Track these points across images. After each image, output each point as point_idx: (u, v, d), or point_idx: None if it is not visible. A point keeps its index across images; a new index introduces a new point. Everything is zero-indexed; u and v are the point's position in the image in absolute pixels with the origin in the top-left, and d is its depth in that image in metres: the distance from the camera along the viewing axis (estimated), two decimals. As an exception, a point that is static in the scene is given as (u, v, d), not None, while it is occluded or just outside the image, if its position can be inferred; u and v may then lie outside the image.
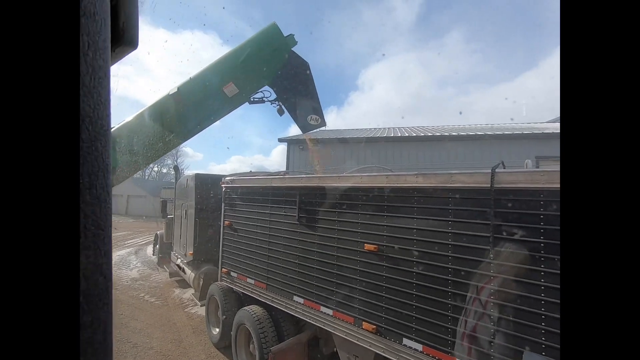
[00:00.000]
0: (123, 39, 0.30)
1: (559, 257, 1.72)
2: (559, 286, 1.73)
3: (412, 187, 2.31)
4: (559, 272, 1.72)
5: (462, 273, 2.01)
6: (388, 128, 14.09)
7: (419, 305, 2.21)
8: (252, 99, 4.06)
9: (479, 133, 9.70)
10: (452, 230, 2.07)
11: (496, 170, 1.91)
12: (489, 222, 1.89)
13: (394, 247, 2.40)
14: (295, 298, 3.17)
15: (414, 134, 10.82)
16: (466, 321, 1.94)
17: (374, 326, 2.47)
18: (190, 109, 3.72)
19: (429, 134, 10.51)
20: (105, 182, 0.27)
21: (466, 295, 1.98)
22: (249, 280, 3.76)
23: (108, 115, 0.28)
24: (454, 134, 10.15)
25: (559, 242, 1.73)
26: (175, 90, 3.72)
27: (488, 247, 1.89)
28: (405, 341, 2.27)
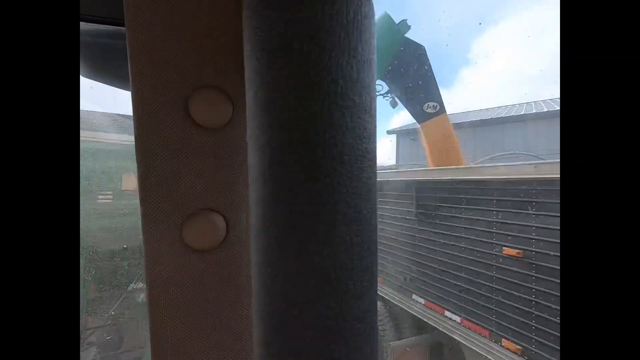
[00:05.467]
0: None
1: None
2: None
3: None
4: None
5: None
6: (525, 103, 11.20)
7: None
8: None
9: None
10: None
11: None
12: None
13: (547, 254, 1.91)
14: (415, 297, 3.03)
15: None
16: None
17: (519, 347, 2.06)
18: None
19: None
20: None
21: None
22: (365, 272, 3.87)
23: None
24: None
25: None
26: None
27: None
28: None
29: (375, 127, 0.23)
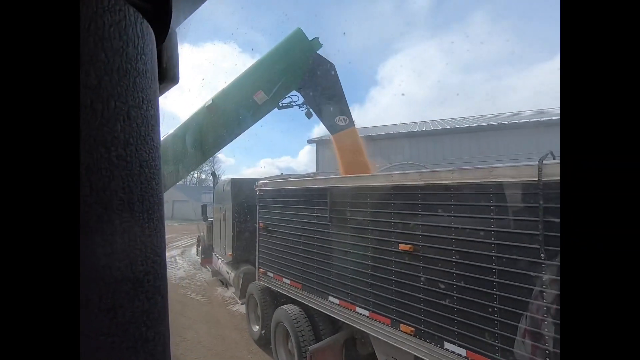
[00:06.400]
0: (167, 76, 0.33)
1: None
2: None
3: (448, 184, 2.20)
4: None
5: (509, 275, 1.87)
6: (417, 122, 13.52)
7: (461, 308, 2.10)
8: (280, 105, 4.17)
9: (523, 120, 8.90)
10: (496, 229, 1.94)
11: (544, 161, 1.75)
12: (538, 219, 1.74)
13: (430, 247, 2.31)
14: (331, 298, 3.19)
15: (448, 127, 10.26)
16: (527, 317, 1.80)
17: (412, 328, 2.40)
18: (224, 119, 3.93)
19: (465, 125, 9.90)
20: (155, 199, 0.27)
21: (514, 298, 1.84)
22: (284, 280, 3.86)
23: (159, 139, 0.30)
24: (492, 123, 9.45)
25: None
26: (211, 102, 3.97)
27: (538, 246, 1.74)
28: (448, 345, 2.17)
29: (139, 134, 0.22)
